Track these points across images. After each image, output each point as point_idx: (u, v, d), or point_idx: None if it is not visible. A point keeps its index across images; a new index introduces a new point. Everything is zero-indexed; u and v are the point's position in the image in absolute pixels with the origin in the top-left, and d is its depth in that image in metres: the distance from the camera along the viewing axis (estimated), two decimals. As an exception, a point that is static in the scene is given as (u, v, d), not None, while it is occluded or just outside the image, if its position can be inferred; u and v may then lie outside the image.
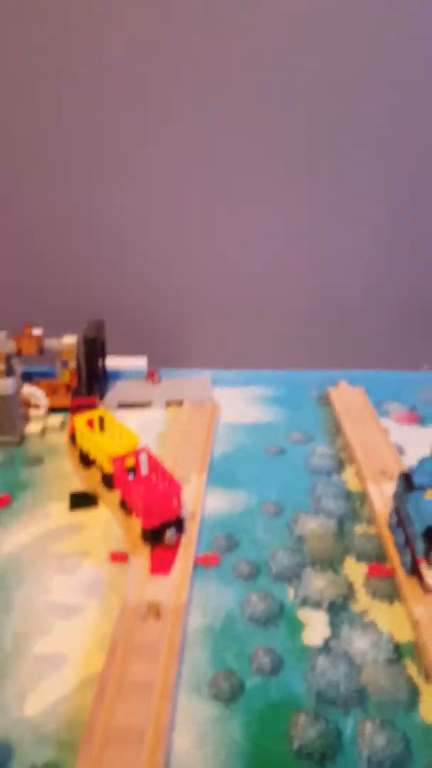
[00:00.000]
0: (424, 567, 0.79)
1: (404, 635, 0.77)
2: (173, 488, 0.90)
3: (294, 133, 1.50)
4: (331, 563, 0.90)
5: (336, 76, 1.43)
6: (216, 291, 1.69)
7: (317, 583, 0.86)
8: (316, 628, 0.78)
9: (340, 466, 1.17)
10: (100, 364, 1.38)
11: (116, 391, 1.42)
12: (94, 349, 1.34)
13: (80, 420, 1.12)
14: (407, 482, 0.89)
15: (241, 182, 1.56)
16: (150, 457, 0.96)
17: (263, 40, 1.41)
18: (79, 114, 1.50)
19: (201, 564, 0.89)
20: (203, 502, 1.03)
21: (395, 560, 0.87)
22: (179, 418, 1.29)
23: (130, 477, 0.95)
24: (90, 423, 1.13)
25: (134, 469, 0.95)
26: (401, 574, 0.84)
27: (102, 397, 1.38)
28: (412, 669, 0.72)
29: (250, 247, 1.64)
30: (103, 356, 1.41)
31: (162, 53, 1.43)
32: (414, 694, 0.69)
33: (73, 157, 1.55)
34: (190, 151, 1.52)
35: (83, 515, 1.00)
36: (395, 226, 1.61)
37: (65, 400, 1.34)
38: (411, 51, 1.41)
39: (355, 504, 1.05)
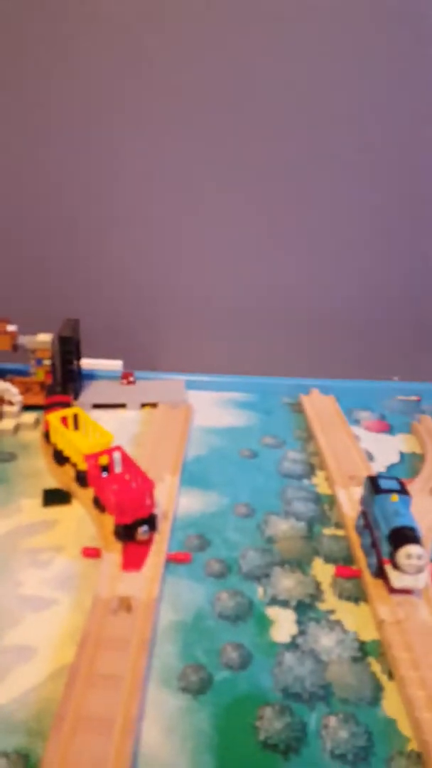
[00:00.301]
0: (389, 569, 0.82)
1: (369, 634, 0.79)
2: (146, 486, 0.91)
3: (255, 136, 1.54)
4: (300, 564, 0.92)
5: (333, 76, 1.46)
6: (192, 297, 1.71)
7: (286, 582, 0.88)
8: (283, 625, 0.80)
9: (310, 470, 1.20)
10: (75, 363, 1.39)
11: (91, 391, 1.43)
12: (69, 347, 1.34)
13: (54, 418, 1.12)
14: (374, 486, 0.92)
15: (219, 190, 1.58)
16: (124, 456, 0.97)
17: (251, 39, 1.44)
18: (58, 121, 1.51)
19: (173, 561, 0.90)
20: (176, 501, 1.04)
21: (362, 562, 0.90)
22: (153, 420, 1.30)
23: (104, 475, 0.96)
24: (64, 421, 1.13)
25: (108, 468, 0.96)
26: (367, 576, 0.86)
27: (77, 396, 1.39)
28: (376, 667, 0.75)
29: (227, 255, 1.66)
30: (78, 356, 1.42)
31: (144, 57, 1.45)
32: (377, 690, 0.71)
33: (54, 161, 1.56)
34: (167, 157, 1.55)
35: (56, 512, 1.01)
36: (369, 242, 1.65)
37: (39, 398, 1.34)
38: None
39: (325, 507, 1.07)
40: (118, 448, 0.97)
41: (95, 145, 1.54)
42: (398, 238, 1.64)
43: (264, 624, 0.80)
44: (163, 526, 0.95)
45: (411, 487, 1.08)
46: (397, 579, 0.81)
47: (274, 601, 0.84)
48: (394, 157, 1.54)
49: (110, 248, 1.65)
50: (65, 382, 1.35)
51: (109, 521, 0.92)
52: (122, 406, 1.38)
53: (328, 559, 0.93)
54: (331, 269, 1.69)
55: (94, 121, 1.51)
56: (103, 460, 0.95)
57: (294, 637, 0.78)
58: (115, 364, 1.46)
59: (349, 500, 1.05)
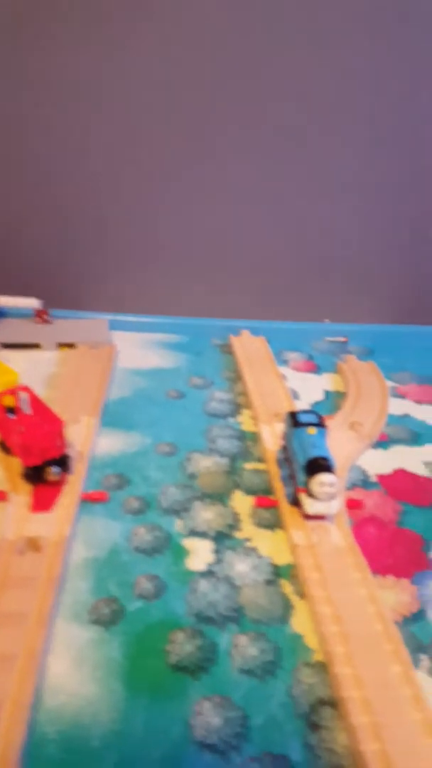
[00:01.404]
0: (303, 496, 0.82)
1: (283, 559, 0.80)
2: (55, 426, 0.88)
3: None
4: (220, 497, 0.92)
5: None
6: (121, 235, 1.65)
7: (205, 514, 0.88)
8: (200, 555, 0.80)
9: (236, 409, 1.19)
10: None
11: (0, 330, 1.36)
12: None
13: None
14: (293, 420, 0.92)
15: (155, 128, 1.51)
16: (32, 396, 0.93)
17: None
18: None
19: (88, 500, 0.89)
20: (94, 442, 1.02)
21: (280, 492, 0.90)
22: (71, 361, 1.26)
23: (11, 416, 0.92)
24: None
25: (14, 409, 0.92)
26: (284, 505, 0.87)
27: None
28: (288, 588, 0.76)
29: (158, 190, 1.60)
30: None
31: None
32: (287, 609, 0.73)
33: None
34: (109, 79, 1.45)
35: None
36: (299, 185, 1.62)
37: None
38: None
39: (248, 444, 1.07)
40: (24, 387, 0.93)
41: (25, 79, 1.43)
42: (330, 181, 1.61)
43: (181, 555, 0.80)
44: (79, 467, 0.93)
45: (332, 422, 1.09)
46: (310, 506, 0.81)
47: (192, 533, 0.84)
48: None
49: (31, 177, 1.55)
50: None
51: (16, 463, 0.89)
52: (36, 346, 1.32)
53: (248, 491, 0.94)
54: (263, 212, 1.65)
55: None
56: (8, 400, 0.90)
57: (210, 565, 0.79)
58: (31, 302, 1.38)
59: (272, 436, 1.05)
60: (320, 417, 0.93)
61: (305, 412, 0.94)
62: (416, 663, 0.67)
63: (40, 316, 1.39)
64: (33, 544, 0.76)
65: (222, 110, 1.51)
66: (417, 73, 1.46)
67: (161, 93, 1.47)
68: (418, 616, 0.73)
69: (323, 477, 0.80)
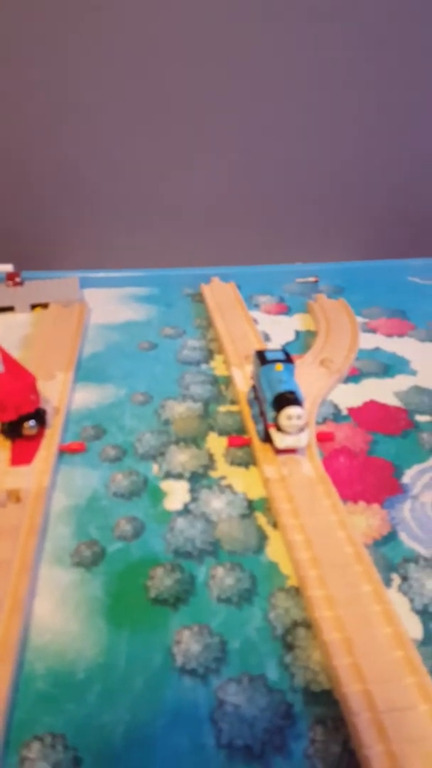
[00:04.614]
0: (273, 431, 0.84)
1: (257, 493, 0.83)
2: (28, 382, 0.88)
3: None
4: (195, 440, 0.94)
5: None
6: (86, 193, 1.62)
7: (180, 457, 0.90)
8: (177, 495, 0.83)
9: (209, 356, 1.20)
10: None
11: (-27, 297, 1.35)
12: None
13: None
14: (260, 358, 0.93)
15: (118, 85, 1.46)
16: (4, 355, 0.93)
17: None
18: None
19: (66, 452, 0.90)
20: (69, 397, 1.03)
21: (252, 431, 0.92)
22: (45, 320, 1.26)
23: None
24: None
25: None
26: (256, 442, 0.89)
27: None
28: (262, 520, 0.78)
29: (120, 144, 1.56)
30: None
31: None
32: (262, 540, 0.75)
33: None
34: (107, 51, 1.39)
35: None
36: (268, 128, 1.59)
37: None
38: None
39: (221, 388, 1.08)
40: (-5, 346, 0.93)
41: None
42: (296, 121, 1.58)
43: (158, 497, 0.83)
44: (55, 421, 0.94)
45: (302, 360, 1.10)
46: (280, 440, 0.83)
47: (168, 475, 0.86)
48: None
49: None
50: None
51: (-7, 421, 0.90)
52: (10, 309, 1.32)
53: (222, 433, 0.96)
54: (227, 158, 1.62)
55: None
56: None
57: (186, 504, 0.81)
58: (4, 267, 1.38)
59: (244, 378, 1.07)
60: (287, 353, 0.94)
61: (273, 350, 0.95)
62: (387, 582, 0.70)
63: (11, 279, 1.38)
64: (14, 496, 0.77)
65: (186, 53, 1.46)
66: None
67: (135, 47, 1.42)
68: (388, 538, 0.76)
69: (290, 410, 0.81)
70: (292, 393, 0.84)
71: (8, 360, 0.93)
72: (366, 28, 1.45)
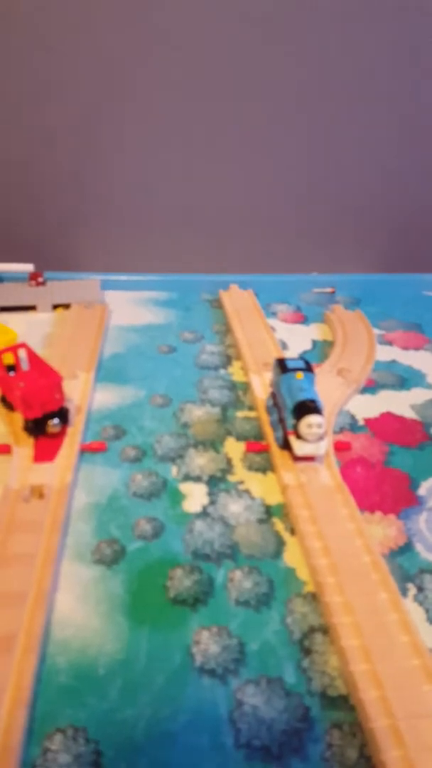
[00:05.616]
0: (293, 439, 0.86)
1: (275, 499, 0.84)
2: (54, 380, 0.90)
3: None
4: (213, 444, 0.95)
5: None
6: (110, 197, 1.64)
7: (199, 460, 0.91)
8: (196, 498, 0.84)
9: (227, 361, 1.22)
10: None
11: (-3, 295, 1.37)
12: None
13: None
14: (281, 366, 0.94)
15: (142, 94, 1.48)
16: (30, 353, 0.95)
17: None
18: None
19: (88, 451, 0.92)
20: (91, 396, 1.05)
21: (270, 437, 0.93)
22: (67, 320, 1.27)
23: (11, 374, 0.94)
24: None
25: (14, 367, 0.94)
26: (275, 448, 0.90)
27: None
28: (279, 526, 0.80)
29: (143, 151, 1.58)
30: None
31: None
32: (279, 545, 0.77)
33: None
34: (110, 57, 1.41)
35: (-34, 414, 0.99)
36: (285, 136, 1.60)
37: None
38: None
39: (239, 393, 1.10)
40: (22, 345, 0.95)
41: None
42: (314, 134, 1.59)
43: (177, 498, 0.84)
44: (77, 420, 0.95)
45: (320, 369, 1.12)
46: (299, 447, 0.85)
47: (187, 478, 0.88)
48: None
49: (19, 144, 1.53)
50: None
51: (18, 418, 0.92)
52: (32, 308, 1.34)
53: (240, 438, 0.97)
54: (249, 168, 1.64)
55: None
56: (8, 358, 0.93)
57: (205, 507, 0.82)
58: (26, 267, 1.40)
59: (262, 385, 1.08)
60: (307, 363, 0.95)
61: (293, 359, 0.96)
62: (404, 592, 0.71)
63: (34, 279, 1.40)
64: (37, 492, 0.79)
65: (215, 71, 1.48)
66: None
67: (147, 53, 1.44)
68: (404, 548, 0.77)
69: (311, 418, 0.83)
70: (312, 401, 0.85)
71: (35, 358, 0.95)
72: (385, 35, 1.46)
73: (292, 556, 0.75)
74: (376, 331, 1.32)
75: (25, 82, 1.45)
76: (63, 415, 0.91)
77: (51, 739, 0.56)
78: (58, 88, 1.47)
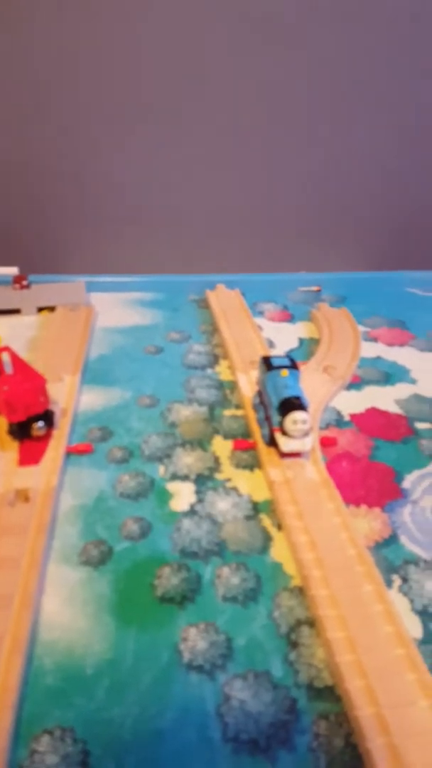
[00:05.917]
0: (278, 435, 0.86)
1: (262, 495, 0.84)
2: (37, 383, 0.90)
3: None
4: (201, 443, 0.95)
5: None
6: (94, 198, 1.64)
7: (186, 459, 0.91)
8: (183, 496, 0.84)
9: (214, 360, 1.22)
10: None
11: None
12: None
13: None
14: (266, 364, 0.95)
15: (126, 96, 1.48)
16: (14, 356, 0.95)
17: None
18: None
19: (74, 453, 0.92)
20: (77, 399, 1.05)
21: (257, 435, 0.94)
22: (52, 323, 1.28)
23: None
24: None
25: None
26: (261, 445, 0.91)
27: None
28: (266, 522, 0.80)
29: (127, 153, 1.59)
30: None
31: None
32: (266, 541, 0.77)
33: None
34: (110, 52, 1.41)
35: None
36: (271, 136, 1.61)
37: None
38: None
39: (226, 392, 1.10)
40: (5, 348, 0.95)
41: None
42: (302, 134, 1.60)
43: (164, 497, 0.84)
44: (63, 422, 0.96)
45: (306, 367, 1.12)
46: (285, 444, 0.85)
47: (174, 477, 0.88)
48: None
49: (7, 147, 1.52)
50: None
51: (2, 421, 0.92)
52: (16, 311, 1.34)
53: (227, 436, 0.97)
54: (234, 168, 1.65)
55: None
56: None
57: (192, 505, 0.82)
58: (9, 270, 1.40)
59: (249, 383, 1.08)
60: (292, 360, 0.95)
61: (278, 356, 0.97)
62: (389, 583, 0.72)
63: (18, 282, 1.40)
64: (22, 495, 0.79)
65: (204, 65, 1.48)
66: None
67: (140, 48, 1.44)
68: (389, 541, 0.78)
69: (296, 415, 0.83)
70: (297, 398, 0.85)
71: (18, 362, 0.95)
72: (382, 37, 1.47)
73: (279, 551, 0.75)
74: (362, 329, 1.33)
75: (11, 85, 1.45)
76: (48, 418, 0.91)
77: (38, 741, 0.56)
78: (40, 87, 1.47)
